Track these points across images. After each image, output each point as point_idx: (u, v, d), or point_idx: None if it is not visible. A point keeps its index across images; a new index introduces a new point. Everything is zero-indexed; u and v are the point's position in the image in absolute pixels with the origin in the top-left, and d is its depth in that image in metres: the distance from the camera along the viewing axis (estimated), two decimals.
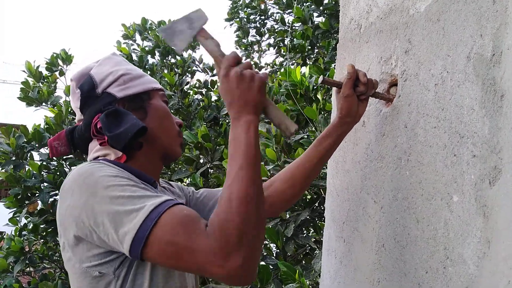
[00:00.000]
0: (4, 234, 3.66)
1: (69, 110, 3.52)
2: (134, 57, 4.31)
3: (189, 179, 2.99)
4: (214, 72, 4.56)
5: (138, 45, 4.74)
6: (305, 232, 2.69)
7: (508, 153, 0.67)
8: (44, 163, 3.44)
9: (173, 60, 4.59)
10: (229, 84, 0.87)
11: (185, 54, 4.55)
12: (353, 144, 1.29)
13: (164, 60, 4.51)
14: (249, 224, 0.74)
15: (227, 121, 3.91)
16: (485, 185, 0.71)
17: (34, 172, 3.30)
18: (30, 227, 3.41)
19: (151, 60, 4.49)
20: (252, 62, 6.45)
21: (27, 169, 3.33)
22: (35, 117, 4.03)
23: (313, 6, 3.82)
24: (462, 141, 0.78)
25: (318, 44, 3.99)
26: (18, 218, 3.44)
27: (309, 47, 3.79)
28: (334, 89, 1.15)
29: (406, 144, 0.99)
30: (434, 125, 0.88)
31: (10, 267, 3.38)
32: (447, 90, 0.84)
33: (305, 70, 3.00)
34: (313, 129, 2.55)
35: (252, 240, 0.75)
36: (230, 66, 0.88)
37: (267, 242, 2.78)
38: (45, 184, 3.28)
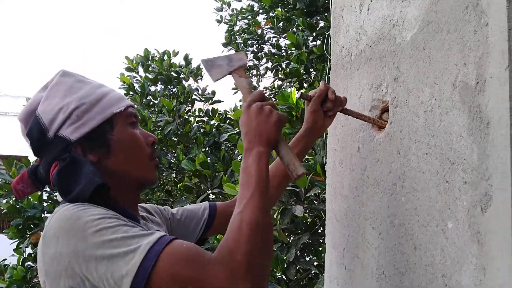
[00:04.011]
0: (8, 264, 3.67)
1: None
2: (136, 87, 4.37)
3: None
4: (214, 99, 4.62)
5: (141, 76, 4.82)
6: (305, 256, 2.67)
7: (497, 180, 0.68)
8: (45, 193, 3.47)
9: (175, 90, 4.66)
10: (248, 116, 0.90)
11: (186, 84, 4.63)
12: (350, 169, 1.30)
13: (167, 89, 4.58)
14: (257, 252, 0.75)
15: (228, 146, 3.93)
16: (477, 211, 0.72)
17: (35, 202, 3.31)
18: (33, 257, 3.41)
19: (153, 88, 4.56)
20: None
21: (27, 199, 3.36)
22: None
23: (306, 32, 3.88)
24: (453, 168, 0.79)
25: (313, 67, 4.04)
26: (22, 249, 3.44)
27: (304, 72, 3.84)
28: (305, 102, 1.18)
29: (400, 170, 1.00)
30: (425, 152, 0.89)
31: None
32: (436, 117, 0.86)
33: (298, 94, 3.04)
34: (312, 152, 2.57)
35: (260, 268, 0.75)
36: (253, 100, 0.91)
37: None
38: (46, 214, 3.30)
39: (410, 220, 0.94)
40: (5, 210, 3.34)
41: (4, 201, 3.30)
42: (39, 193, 3.40)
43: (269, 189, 0.85)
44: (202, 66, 1.04)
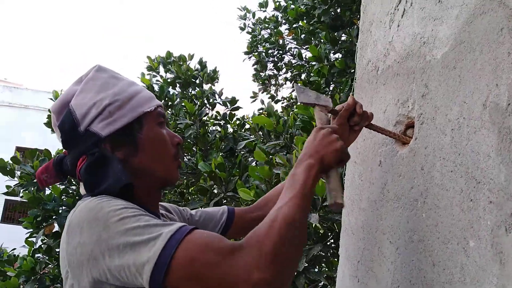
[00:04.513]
0: (18, 254, 3.73)
1: None
2: (156, 88, 4.44)
3: None
4: (235, 106, 4.66)
5: (161, 76, 4.90)
6: (314, 267, 2.66)
7: None
8: (64, 187, 3.54)
9: (193, 92, 4.72)
10: (314, 136, 0.94)
11: (206, 87, 4.69)
12: (369, 183, 1.30)
13: (184, 92, 4.64)
14: (286, 245, 0.74)
15: (242, 152, 3.95)
16: (502, 231, 0.72)
17: (55, 195, 3.38)
18: (44, 249, 3.46)
19: (171, 91, 4.63)
20: (268, 95, 6.57)
21: (47, 192, 3.42)
22: (58, 143, 4.14)
23: (328, 45, 3.90)
24: (479, 187, 0.80)
25: (334, 80, 4.06)
26: (34, 240, 3.50)
27: (324, 85, 3.86)
28: (331, 115, 1.19)
29: (422, 186, 1.00)
30: (450, 169, 0.90)
31: (21, 287, 3.42)
32: (464, 136, 0.86)
33: None
34: None
35: (286, 262, 0.74)
36: (327, 128, 0.96)
37: None
38: (64, 207, 3.35)
39: (430, 237, 0.94)
40: (21, 201, 3.41)
41: (22, 190, 3.37)
42: (61, 187, 3.47)
43: (311, 197, 0.86)
44: (294, 89, 1.12)
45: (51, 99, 4.34)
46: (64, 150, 1.01)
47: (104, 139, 0.92)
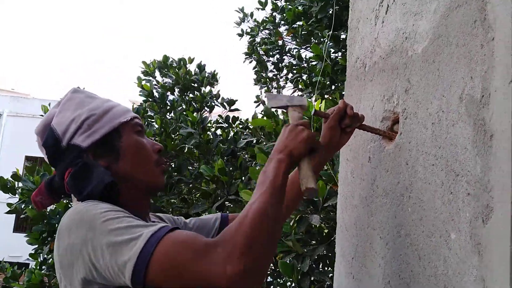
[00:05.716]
0: (25, 268, 3.75)
1: None
2: (155, 94, 4.46)
3: (206, 213, 3.02)
4: (233, 107, 4.67)
5: (158, 81, 4.92)
6: (320, 267, 2.66)
7: (498, 192, 0.68)
8: (67, 201, 3.54)
9: (191, 95, 4.73)
10: (283, 132, 0.99)
11: (207, 90, 4.70)
12: (360, 179, 1.31)
13: (183, 96, 4.65)
14: (258, 237, 0.76)
15: (245, 157, 3.96)
16: (479, 223, 0.72)
17: (60, 210, 3.39)
18: (50, 262, 3.48)
19: (171, 97, 4.65)
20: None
21: (52, 206, 3.43)
22: None
23: (331, 43, 3.89)
24: (458, 179, 0.80)
25: (337, 79, 4.05)
26: (43, 255, 3.51)
27: (328, 83, 3.85)
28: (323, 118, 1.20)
29: (407, 181, 1.01)
30: (432, 163, 0.90)
31: None
32: (443, 129, 0.87)
33: (321, 104, 3.06)
34: (331, 162, 2.58)
35: (258, 253, 0.76)
36: (294, 123, 1.00)
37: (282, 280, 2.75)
38: None
39: (415, 231, 0.94)
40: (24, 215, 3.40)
41: (24, 206, 3.38)
42: (65, 201, 3.47)
43: (284, 192, 0.88)
44: (265, 96, 1.13)
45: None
46: (53, 169, 1.06)
47: (86, 150, 0.98)
